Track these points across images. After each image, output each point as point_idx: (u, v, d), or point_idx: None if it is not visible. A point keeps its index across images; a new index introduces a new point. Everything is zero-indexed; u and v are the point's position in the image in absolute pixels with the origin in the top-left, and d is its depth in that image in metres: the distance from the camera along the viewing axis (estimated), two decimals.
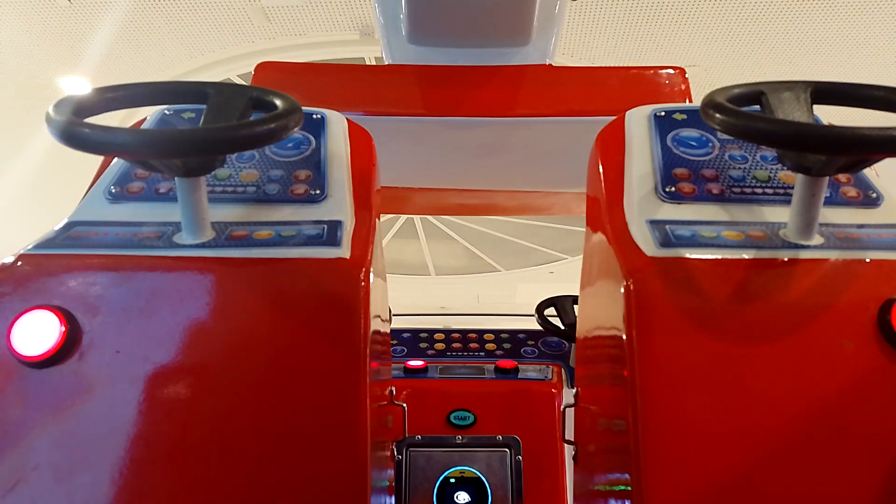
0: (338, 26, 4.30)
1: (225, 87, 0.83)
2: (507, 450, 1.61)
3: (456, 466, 1.59)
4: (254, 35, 4.32)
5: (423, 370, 1.80)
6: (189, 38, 4.29)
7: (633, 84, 1.48)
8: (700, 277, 0.75)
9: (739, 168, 0.91)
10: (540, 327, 1.94)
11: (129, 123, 0.98)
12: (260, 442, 0.72)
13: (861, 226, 0.83)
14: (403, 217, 6.34)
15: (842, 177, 0.89)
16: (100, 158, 1.01)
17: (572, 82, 1.49)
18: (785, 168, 0.80)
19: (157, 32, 4.19)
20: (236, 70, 4.66)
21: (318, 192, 0.90)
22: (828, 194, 0.80)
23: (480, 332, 2.03)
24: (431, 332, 2.04)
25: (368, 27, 4.26)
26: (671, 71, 1.49)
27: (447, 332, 2.05)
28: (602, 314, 0.87)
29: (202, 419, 0.72)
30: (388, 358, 1.11)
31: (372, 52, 4.46)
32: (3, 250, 0.82)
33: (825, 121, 0.83)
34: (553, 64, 1.53)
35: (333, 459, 0.72)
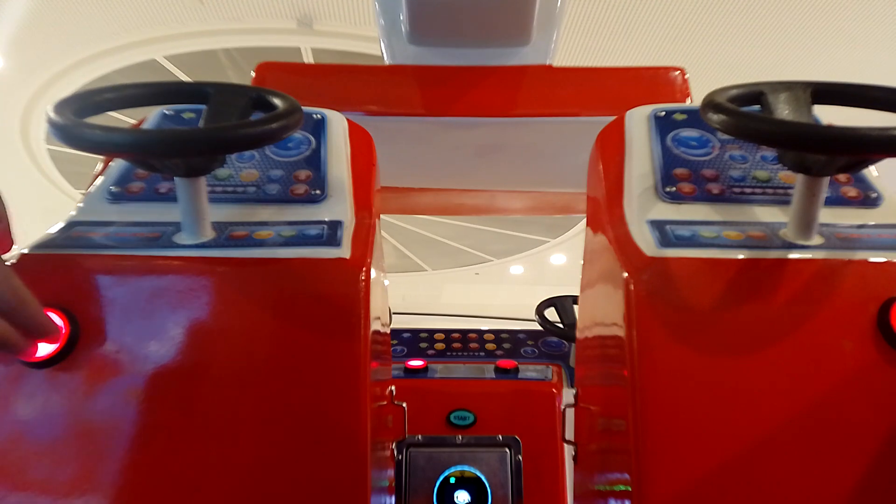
0: (274, 14, 4.17)
1: (225, 88, 0.83)
2: (507, 450, 1.61)
3: (456, 466, 1.59)
4: (185, 17, 4.15)
5: (423, 370, 1.80)
6: (115, 13, 4.11)
7: (633, 84, 1.48)
8: (700, 277, 0.75)
9: (739, 168, 0.91)
10: (540, 327, 1.94)
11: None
12: (260, 441, 0.72)
13: (861, 226, 0.83)
14: None
15: (842, 177, 0.89)
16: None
17: (572, 82, 1.49)
18: (785, 168, 0.80)
19: (81, 5, 4.00)
20: (163, 51, 4.47)
21: (318, 192, 0.90)
22: (828, 194, 0.80)
23: (480, 332, 2.03)
24: (431, 332, 2.04)
25: (307, 17, 4.12)
26: (671, 71, 1.49)
27: (447, 332, 2.05)
28: (602, 314, 0.87)
29: (202, 419, 0.72)
30: (388, 358, 1.11)
31: (309, 43, 4.32)
32: None
33: (825, 121, 0.83)
34: (553, 64, 1.53)
35: (333, 459, 0.72)
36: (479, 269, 8.17)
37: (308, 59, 4.50)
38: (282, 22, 4.24)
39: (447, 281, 8.33)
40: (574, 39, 4.22)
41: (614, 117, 1.02)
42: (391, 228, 6.92)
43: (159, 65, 4.68)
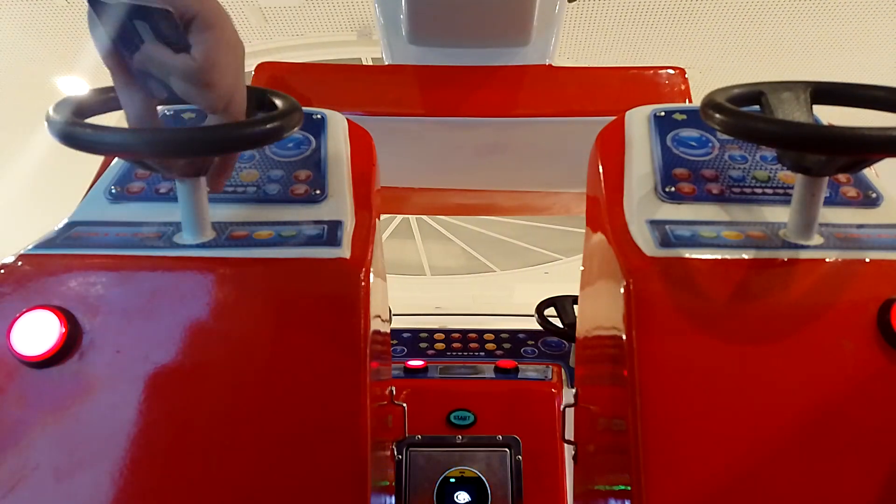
0: (335, 27, 4.27)
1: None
2: (507, 450, 1.61)
3: (456, 466, 1.59)
4: (251, 35, 4.29)
5: (423, 370, 1.80)
6: None
7: (633, 84, 1.48)
8: (700, 277, 0.75)
9: (739, 168, 0.91)
10: (540, 327, 1.94)
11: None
12: (260, 442, 0.72)
13: (861, 226, 0.83)
14: (399, 217, 6.34)
15: (842, 177, 0.89)
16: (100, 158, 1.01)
17: (572, 82, 1.49)
18: (785, 168, 0.80)
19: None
20: None
21: (318, 192, 0.90)
22: (828, 194, 0.80)
23: (480, 332, 2.03)
24: (431, 332, 2.04)
25: (366, 28, 4.24)
26: (671, 71, 1.49)
27: (447, 332, 2.05)
28: (602, 314, 0.87)
29: (202, 419, 0.72)
30: (388, 358, 1.11)
31: (369, 53, 4.43)
32: (4, 250, 0.82)
33: (825, 121, 0.83)
34: (553, 64, 1.53)
35: (333, 459, 0.72)
36: (548, 269, 8.11)
37: None
38: (342, 34, 4.32)
39: (516, 281, 8.30)
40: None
41: (614, 117, 1.02)
42: (455, 229, 6.90)
43: None
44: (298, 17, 4.17)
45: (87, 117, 0.74)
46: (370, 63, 4.44)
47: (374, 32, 4.25)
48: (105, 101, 0.78)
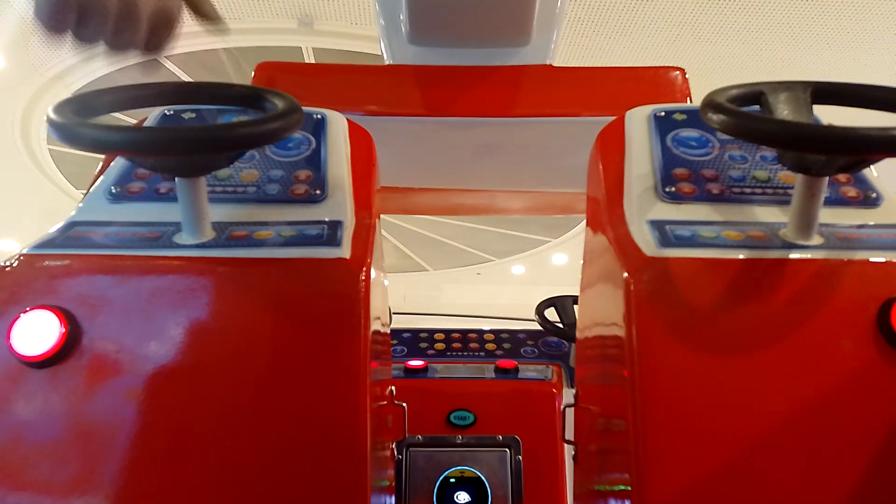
0: (275, 14, 4.20)
1: (224, 87, 0.83)
2: (507, 450, 1.61)
3: (456, 466, 1.59)
4: (187, 16, 4.24)
5: (423, 370, 1.80)
6: None
7: (633, 84, 1.48)
8: (700, 277, 0.75)
9: (739, 168, 0.91)
10: (540, 327, 1.94)
11: None
12: (260, 442, 0.72)
13: (861, 226, 0.83)
14: None
15: (842, 177, 0.89)
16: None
17: (572, 82, 1.49)
18: (785, 168, 0.80)
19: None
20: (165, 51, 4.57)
21: (318, 192, 0.90)
22: (828, 194, 0.80)
23: (480, 333, 2.03)
24: (431, 332, 2.04)
25: (307, 16, 4.15)
26: (671, 71, 1.49)
27: (447, 332, 2.05)
28: (602, 314, 0.87)
29: (202, 419, 0.72)
30: (388, 358, 1.11)
31: (309, 43, 4.35)
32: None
33: (825, 121, 0.83)
34: (553, 64, 1.53)
35: (333, 459, 0.72)
36: (480, 269, 8.17)
37: (309, 58, 4.51)
38: (283, 21, 4.26)
39: (448, 281, 8.33)
40: (574, 39, 4.21)
41: (614, 117, 1.02)
42: (392, 228, 6.92)
43: (160, 64, 4.70)
44: (238, 1, 4.07)
45: (87, 117, 0.74)
46: (311, 53, 4.39)
47: (316, 22, 4.21)
48: (105, 101, 0.78)
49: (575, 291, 1.65)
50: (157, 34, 0.79)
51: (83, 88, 4.71)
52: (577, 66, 1.60)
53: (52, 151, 5.80)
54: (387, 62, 1.57)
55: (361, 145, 1.01)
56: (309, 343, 0.74)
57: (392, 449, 1.07)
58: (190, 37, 4.52)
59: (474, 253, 7.71)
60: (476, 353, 1.96)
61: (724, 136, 0.93)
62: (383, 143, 1.09)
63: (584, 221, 1.08)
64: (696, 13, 3.99)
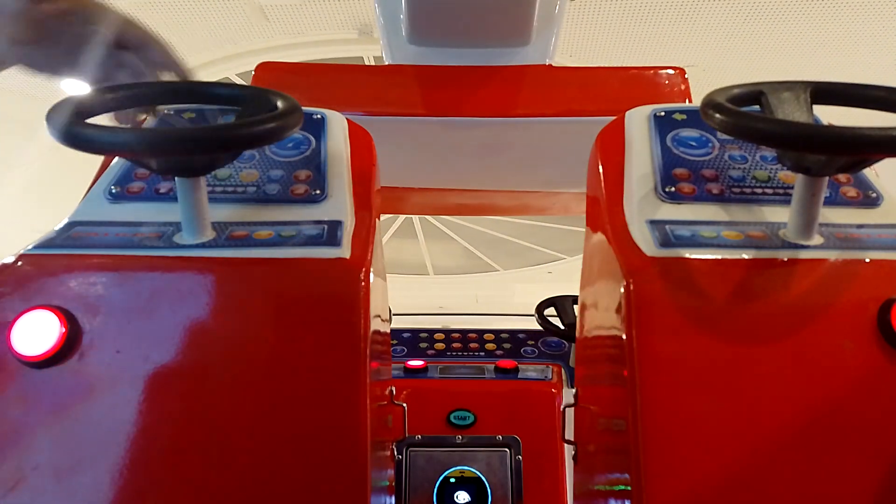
0: (336, 25, 4.27)
1: (225, 87, 0.83)
2: (507, 450, 1.61)
3: (456, 466, 1.59)
4: (251, 34, 4.29)
5: (423, 370, 1.80)
6: (186, 36, 4.25)
7: (633, 84, 1.48)
8: (700, 277, 0.75)
9: (739, 168, 0.91)
10: (540, 327, 1.94)
11: None
12: (259, 442, 0.72)
13: (861, 226, 0.83)
14: (402, 217, 6.36)
15: (842, 177, 0.89)
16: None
17: (572, 82, 1.49)
18: (785, 168, 0.80)
19: (156, 29, 4.17)
20: (234, 69, 4.64)
21: (318, 192, 0.90)
22: (828, 194, 0.80)
23: (480, 332, 2.03)
24: (431, 332, 2.04)
25: (367, 26, 4.24)
26: (671, 71, 1.49)
27: (447, 332, 2.05)
28: (602, 314, 0.87)
29: (202, 419, 0.72)
30: (388, 358, 1.11)
31: (370, 52, 4.44)
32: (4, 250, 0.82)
33: (825, 121, 0.83)
34: (553, 64, 1.53)
35: (333, 459, 0.72)
36: (551, 268, 8.12)
37: None
38: (342, 33, 4.34)
39: (518, 280, 8.30)
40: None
41: (614, 117, 1.02)
42: (458, 229, 6.91)
43: (232, 83, 4.74)
44: (299, 16, 4.16)
45: (87, 118, 0.74)
46: (372, 61, 4.46)
47: (375, 31, 4.27)
48: (104, 101, 0.78)
49: None
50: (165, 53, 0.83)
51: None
52: (576, 66, 1.60)
53: None
54: (387, 62, 1.57)
55: (361, 145, 1.01)
56: (309, 343, 0.74)
57: (392, 449, 1.07)
58: (257, 53, 4.63)
59: (543, 251, 7.69)
60: (476, 353, 1.96)
61: (724, 136, 0.93)
62: (383, 143, 1.09)
63: None
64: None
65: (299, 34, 4.33)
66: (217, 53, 4.50)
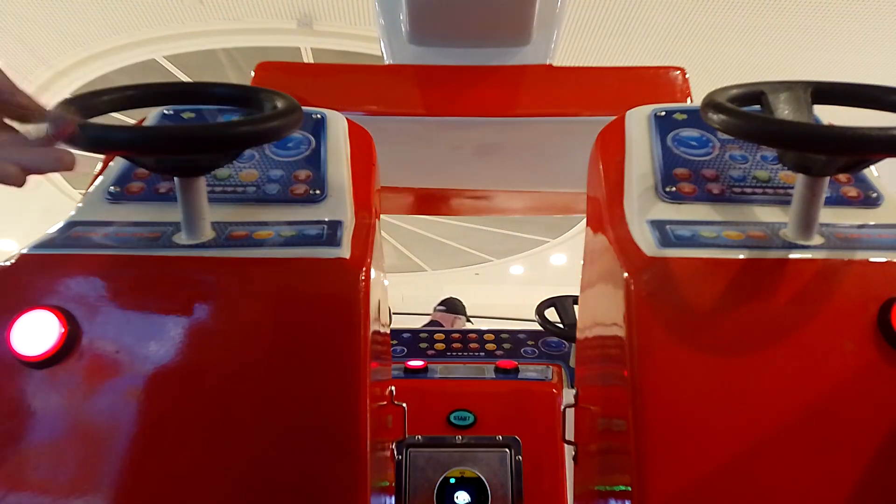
0: (273, 14, 4.17)
1: (225, 87, 0.83)
2: (507, 450, 1.61)
3: (456, 466, 1.59)
4: (185, 17, 4.15)
5: (423, 370, 1.80)
6: (115, 14, 4.12)
7: (633, 84, 1.48)
8: (700, 277, 0.75)
9: (740, 168, 0.91)
10: (540, 327, 1.94)
11: None
12: (259, 442, 0.72)
13: (861, 226, 0.83)
14: None
15: (842, 177, 0.89)
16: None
17: (572, 82, 1.49)
18: (785, 168, 0.80)
19: (80, 5, 4.01)
20: (163, 51, 4.49)
21: (318, 192, 0.90)
22: (828, 194, 0.80)
23: (480, 333, 2.03)
24: (431, 332, 2.04)
25: (307, 17, 4.12)
26: (671, 71, 1.49)
27: (447, 332, 2.05)
28: (602, 314, 0.87)
29: (202, 419, 0.72)
30: (388, 358, 1.11)
31: (309, 43, 4.32)
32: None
33: (825, 121, 0.83)
34: (553, 64, 1.53)
35: (333, 459, 0.72)
36: (479, 270, 8.18)
37: (308, 58, 4.51)
38: (282, 22, 4.25)
39: (447, 281, 8.35)
40: (574, 39, 4.22)
41: (614, 117, 1.02)
42: (391, 228, 6.92)
43: (159, 64, 4.69)
44: (236, 1, 4.04)
45: (87, 118, 0.74)
46: (310, 53, 4.37)
47: (316, 23, 4.19)
48: (104, 100, 0.78)
49: (574, 291, 1.65)
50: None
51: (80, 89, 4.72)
52: (576, 66, 1.60)
53: None
54: (387, 62, 1.57)
55: (361, 145, 1.01)
56: (308, 343, 0.74)
57: (392, 449, 1.06)
58: (189, 37, 4.49)
59: (473, 253, 7.71)
60: (476, 354, 1.96)
61: (725, 136, 0.93)
62: (383, 143, 1.09)
63: (584, 221, 1.08)
64: (696, 13, 3.99)
65: (235, 20, 4.20)
66: (146, 34, 4.34)
